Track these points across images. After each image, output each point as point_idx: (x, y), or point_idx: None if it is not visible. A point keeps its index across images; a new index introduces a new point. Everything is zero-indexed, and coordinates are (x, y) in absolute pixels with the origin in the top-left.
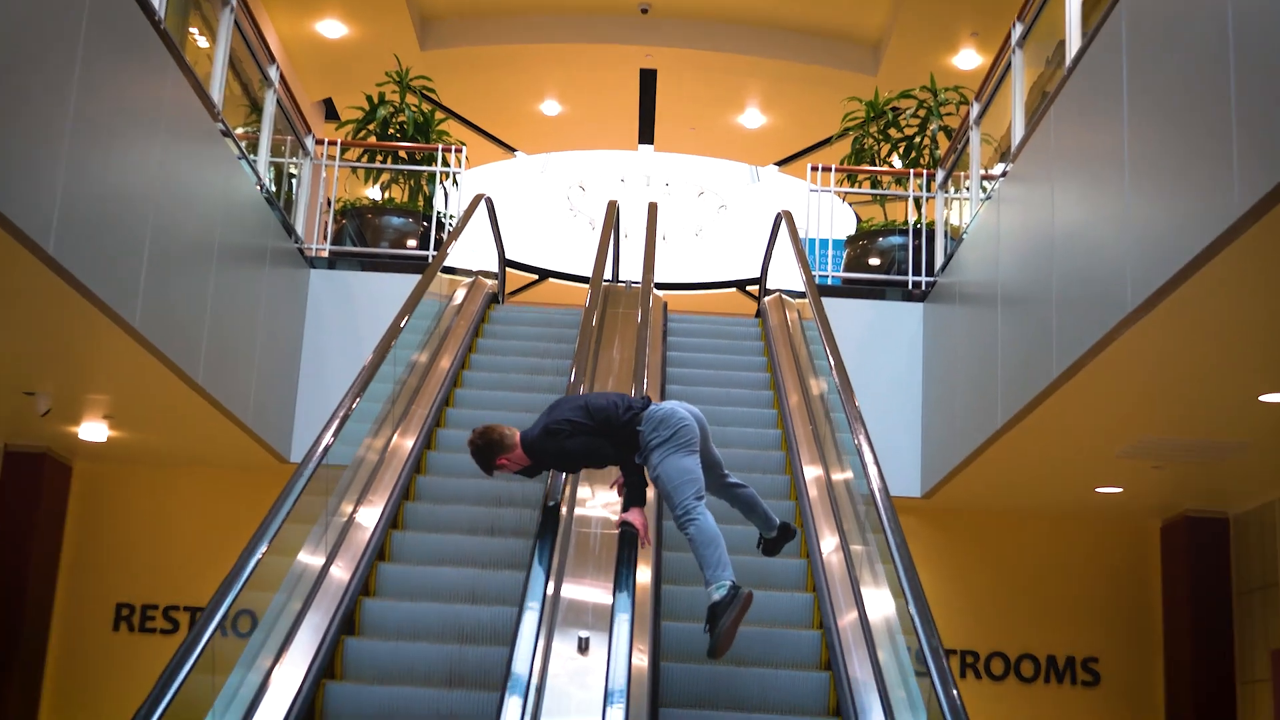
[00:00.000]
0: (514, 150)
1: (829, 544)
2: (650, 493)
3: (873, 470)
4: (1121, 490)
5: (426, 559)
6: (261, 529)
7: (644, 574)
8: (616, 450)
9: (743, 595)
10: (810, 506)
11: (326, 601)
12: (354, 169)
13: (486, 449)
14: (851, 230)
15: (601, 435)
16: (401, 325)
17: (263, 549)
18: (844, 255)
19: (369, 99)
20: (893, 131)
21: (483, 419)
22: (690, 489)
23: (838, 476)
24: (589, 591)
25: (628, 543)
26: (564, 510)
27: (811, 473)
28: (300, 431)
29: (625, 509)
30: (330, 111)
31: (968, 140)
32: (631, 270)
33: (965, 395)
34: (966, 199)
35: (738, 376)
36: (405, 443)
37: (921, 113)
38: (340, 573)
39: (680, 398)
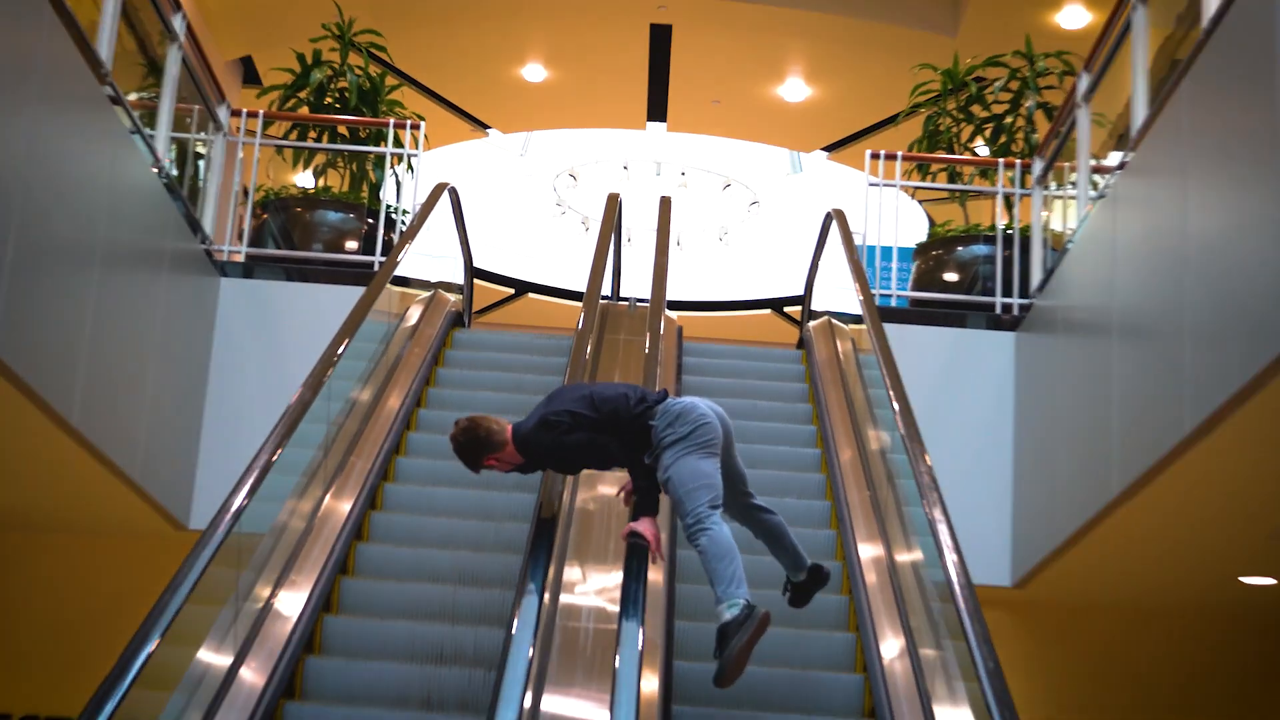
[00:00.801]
0: (486, 127)
1: (892, 648)
2: (667, 500)
3: (950, 553)
4: (1275, 582)
5: (369, 651)
6: (151, 617)
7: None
8: (624, 449)
9: (758, 615)
10: (868, 600)
11: (235, 714)
12: (280, 148)
13: (472, 446)
14: (923, 236)
15: (607, 431)
16: (339, 353)
17: (153, 644)
18: (913, 269)
19: (300, 58)
20: (977, 109)
21: (442, 475)
22: (705, 495)
23: (903, 558)
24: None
25: (637, 556)
26: (547, 598)
27: (869, 553)
28: (204, 490)
29: (635, 517)
30: (250, 74)
31: (1074, 121)
32: (637, 285)
33: (1069, 454)
34: (1072, 197)
35: (774, 429)
36: (341, 505)
37: (1014, 85)
38: (253, 675)
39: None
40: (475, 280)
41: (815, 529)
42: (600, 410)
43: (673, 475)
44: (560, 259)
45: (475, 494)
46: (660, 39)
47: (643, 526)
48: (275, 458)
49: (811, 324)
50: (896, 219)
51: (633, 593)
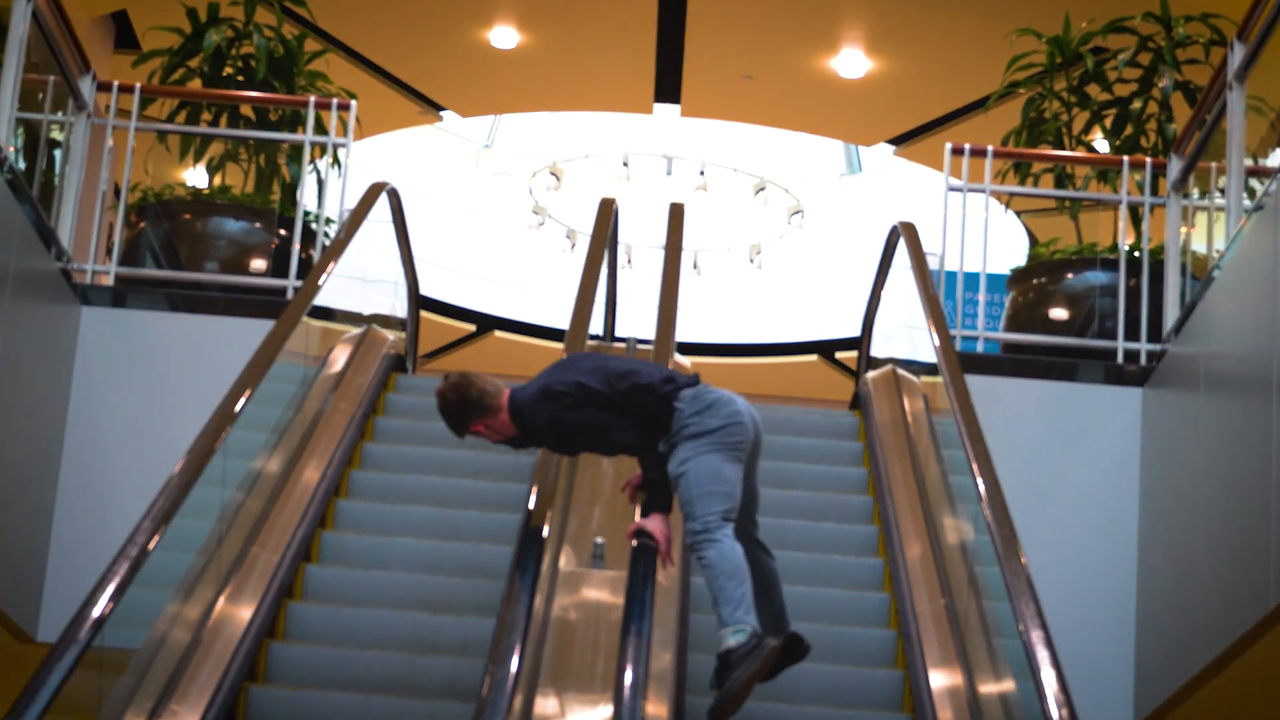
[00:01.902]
0: (440, 109)
1: None
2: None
3: (1051, 686)
4: None
5: None
6: None
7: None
8: (637, 434)
9: (766, 647)
10: None
11: None
12: (162, 135)
13: (460, 408)
14: (1021, 259)
15: (620, 411)
16: (237, 409)
17: None
18: (1007, 303)
19: (191, 15)
20: (1094, 90)
21: (371, 591)
22: (720, 503)
23: (989, 689)
24: None
25: (644, 559)
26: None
27: (943, 682)
28: (56, 592)
29: (645, 514)
30: (125, 36)
31: (1224, 108)
32: (638, 320)
33: (1214, 551)
34: (1221, 209)
35: (820, 511)
36: (238, 613)
37: (1144, 59)
38: None
39: None
40: (424, 313)
41: (875, 668)
42: (615, 386)
43: (689, 471)
44: (537, 285)
45: (418, 580)
46: None
47: (653, 525)
48: (151, 547)
49: (871, 375)
50: (986, 236)
51: (636, 612)
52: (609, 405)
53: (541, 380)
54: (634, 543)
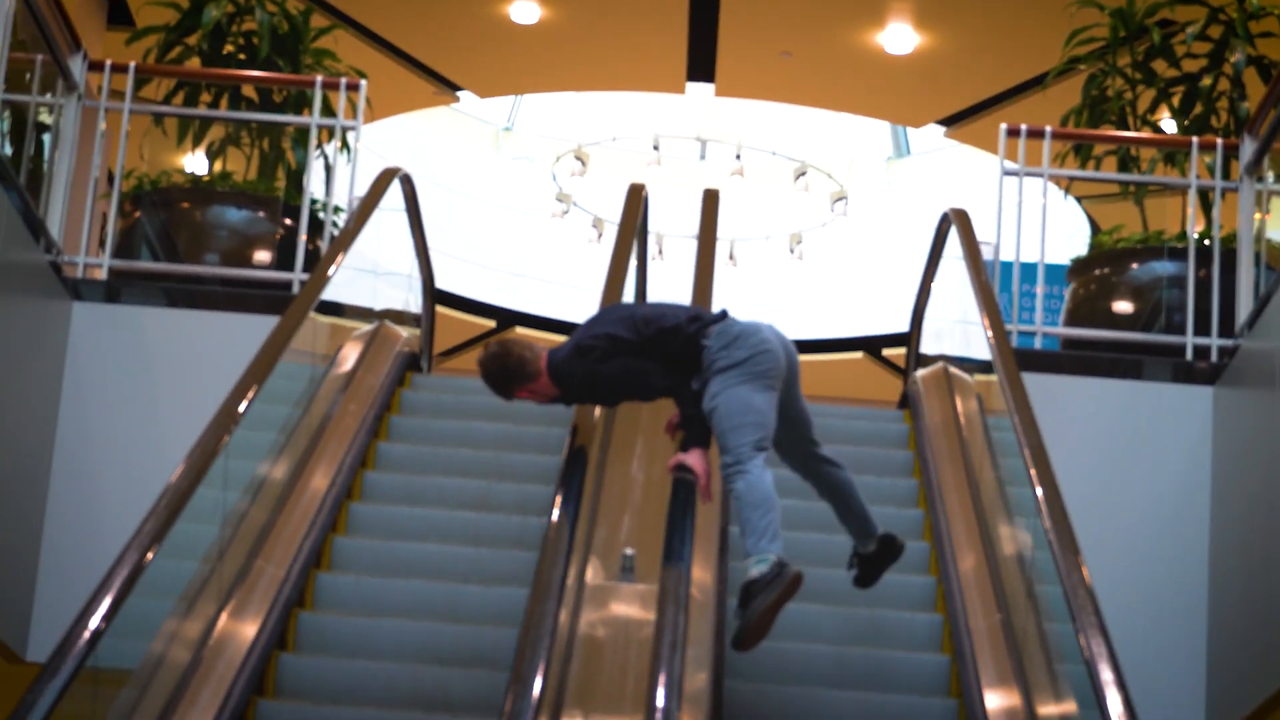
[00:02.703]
0: (456, 89)
1: None
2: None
3: (1115, 707)
4: None
5: None
6: None
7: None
8: (669, 378)
9: (789, 574)
10: None
11: None
12: (159, 118)
13: (503, 377)
14: (1082, 249)
15: (651, 356)
16: (240, 411)
17: None
18: (1067, 295)
19: None
20: (1161, 66)
21: (385, 601)
22: (752, 434)
23: (1049, 711)
24: None
25: (684, 491)
26: None
27: (999, 703)
28: (47, 609)
29: (684, 448)
30: (119, 12)
31: None
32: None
33: None
34: None
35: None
36: (242, 630)
37: (1215, 31)
38: None
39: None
40: (440, 308)
41: (924, 696)
42: (643, 333)
43: (719, 405)
44: (560, 278)
45: (439, 588)
46: None
47: (692, 459)
48: (149, 558)
49: (920, 373)
50: (1044, 223)
51: (677, 542)
52: (640, 352)
53: (574, 338)
54: (673, 475)
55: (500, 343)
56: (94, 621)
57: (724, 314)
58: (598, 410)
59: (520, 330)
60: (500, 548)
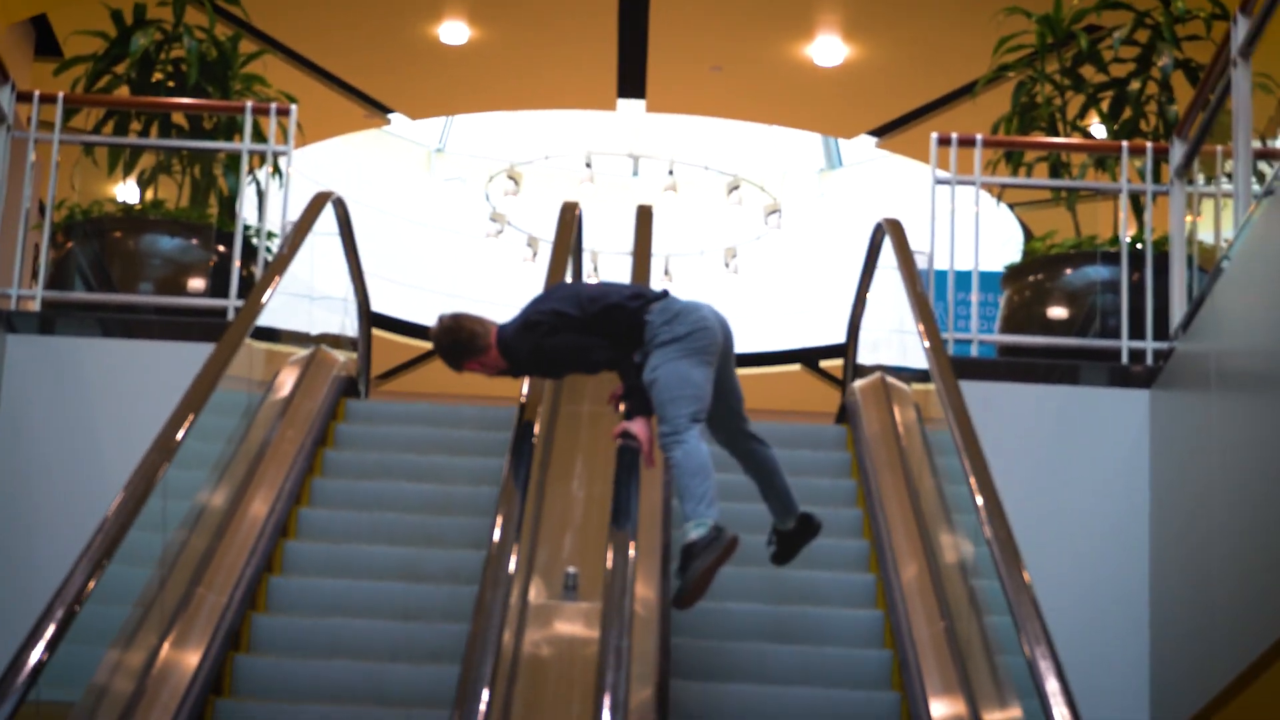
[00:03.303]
0: (387, 111)
1: None
2: None
3: (1059, 709)
4: None
5: None
6: None
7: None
8: (612, 351)
9: (725, 538)
10: None
11: None
12: (89, 147)
13: (453, 350)
14: (1016, 256)
15: (596, 332)
16: (177, 439)
17: None
18: (1002, 302)
19: (116, 17)
20: (1089, 71)
21: (326, 640)
22: (689, 405)
23: (994, 716)
24: None
25: (629, 459)
26: None
27: (944, 711)
28: None
29: (628, 417)
30: (46, 42)
31: (1228, 86)
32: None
33: (1231, 562)
34: (1229, 195)
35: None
36: (183, 660)
37: (1141, 36)
38: None
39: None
40: (377, 331)
41: (871, 690)
42: (588, 310)
43: (660, 378)
44: (497, 298)
45: (376, 626)
46: None
47: (636, 427)
48: (88, 590)
49: (858, 384)
50: (977, 231)
51: (624, 499)
52: (585, 328)
53: (522, 314)
54: (619, 442)
55: (452, 316)
56: (35, 655)
57: (665, 293)
58: (540, 415)
59: None
60: (442, 583)
